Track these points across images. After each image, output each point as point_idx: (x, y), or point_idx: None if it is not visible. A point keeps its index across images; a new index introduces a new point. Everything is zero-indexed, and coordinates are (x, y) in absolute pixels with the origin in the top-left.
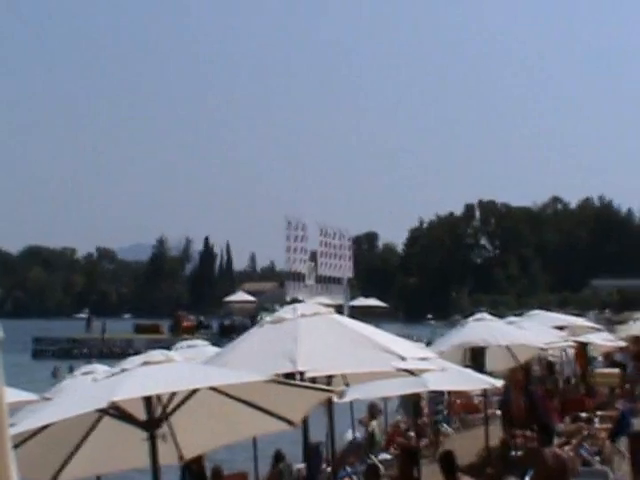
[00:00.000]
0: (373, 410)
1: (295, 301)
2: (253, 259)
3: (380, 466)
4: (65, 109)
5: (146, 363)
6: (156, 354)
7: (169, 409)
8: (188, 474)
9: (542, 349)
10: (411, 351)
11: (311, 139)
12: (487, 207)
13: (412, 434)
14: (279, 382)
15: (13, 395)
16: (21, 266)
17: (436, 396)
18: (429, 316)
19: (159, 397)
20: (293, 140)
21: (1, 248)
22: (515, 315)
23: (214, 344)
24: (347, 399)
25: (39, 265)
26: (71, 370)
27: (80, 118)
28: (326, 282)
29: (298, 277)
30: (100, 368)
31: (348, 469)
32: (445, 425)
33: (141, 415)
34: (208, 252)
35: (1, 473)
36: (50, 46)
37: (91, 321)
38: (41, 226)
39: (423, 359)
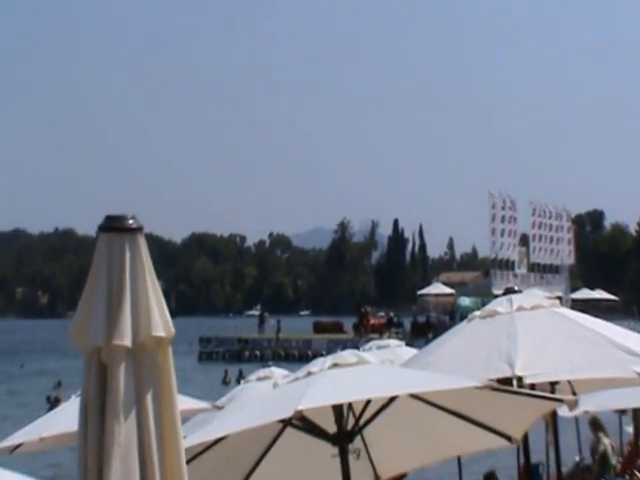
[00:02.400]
0: (596, 426)
1: (509, 291)
2: (451, 245)
3: None
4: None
5: (335, 365)
6: (347, 355)
7: (363, 420)
8: None
9: None
10: None
11: (520, 103)
12: None
13: None
14: (496, 389)
15: (182, 402)
16: (185, 256)
17: None
18: None
19: (351, 405)
20: (496, 105)
21: (163, 237)
22: None
23: (408, 344)
24: (576, 411)
25: (205, 255)
26: (240, 374)
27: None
28: (541, 271)
29: (506, 265)
30: (278, 372)
31: None
32: None
33: (330, 427)
34: (398, 237)
35: None
36: None
37: (264, 319)
38: (207, 211)
39: None
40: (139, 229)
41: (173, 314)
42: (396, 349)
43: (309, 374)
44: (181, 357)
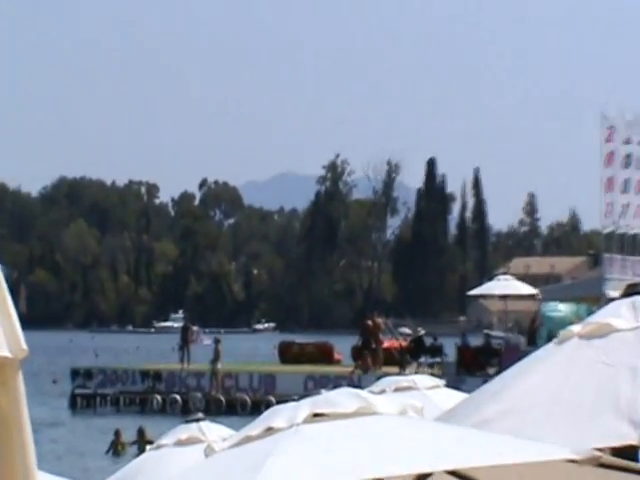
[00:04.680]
0: None
1: (634, 292)
2: (531, 207)
3: None
4: None
5: (318, 416)
6: (339, 398)
7: None
8: None
9: None
10: None
11: None
12: None
13: None
14: (608, 465)
15: None
16: (47, 220)
17: None
18: None
19: None
20: None
21: (6, 185)
22: None
23: (451, 385)
24: None
25: (82, 218)
26: (141, 436)
27: None
28: None
29: (632, 245)
30: (213, 430)
31: None
32: None
33: None
34: (434, 192)
35: None
36: None
37: (190, 336)
38: (86, 145)
39: None
40: None
41: (24, 323)
42: (429, 392)
43: (269, 431)
44: (39, 402)
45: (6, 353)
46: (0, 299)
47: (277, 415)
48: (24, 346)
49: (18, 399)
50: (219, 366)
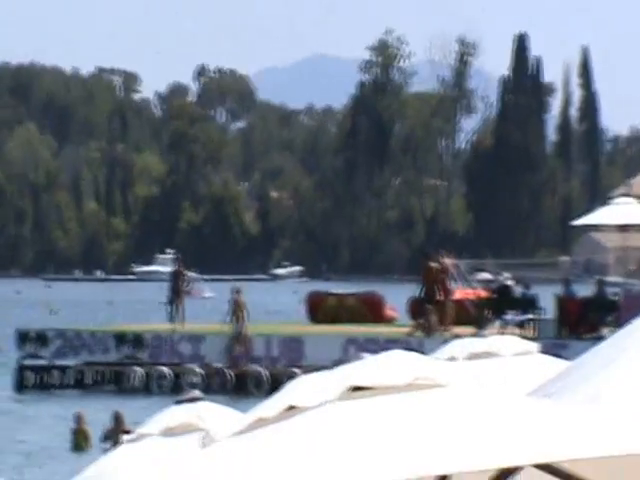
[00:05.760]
0: None
1: None
2: None
3: None
4: None
5: (357, 390)
6: (389, 363)
7: None
8: None
9: None
10: None
11: None
12: None
13: None
14: None
15: None
16: None
17: None
18: None
19: None
20: None
21: None
22: None
23: (549, 350)
24: None
25: (33, 121)
26: (117, 422)
27: None
28: None
29: None
30: (213, 412)
31: None
32: None
33: None
34: (525, 79)
35: None
36: None
37: (183, 284)
38: (31, 23)
39: None
40: None
41: None
42: (516, 360)
43: (291, 411)
44: None
45: None
46: None
47: (301, 389)
48: None
49: None
50: (245, 324)
